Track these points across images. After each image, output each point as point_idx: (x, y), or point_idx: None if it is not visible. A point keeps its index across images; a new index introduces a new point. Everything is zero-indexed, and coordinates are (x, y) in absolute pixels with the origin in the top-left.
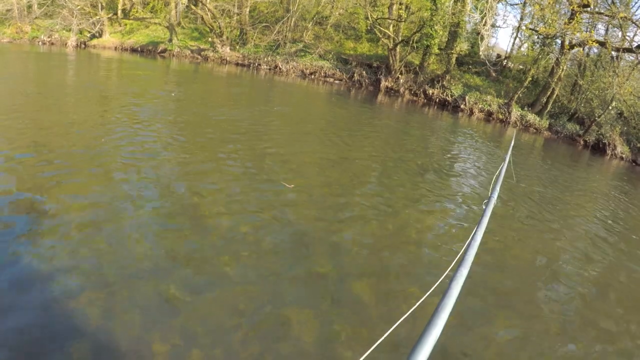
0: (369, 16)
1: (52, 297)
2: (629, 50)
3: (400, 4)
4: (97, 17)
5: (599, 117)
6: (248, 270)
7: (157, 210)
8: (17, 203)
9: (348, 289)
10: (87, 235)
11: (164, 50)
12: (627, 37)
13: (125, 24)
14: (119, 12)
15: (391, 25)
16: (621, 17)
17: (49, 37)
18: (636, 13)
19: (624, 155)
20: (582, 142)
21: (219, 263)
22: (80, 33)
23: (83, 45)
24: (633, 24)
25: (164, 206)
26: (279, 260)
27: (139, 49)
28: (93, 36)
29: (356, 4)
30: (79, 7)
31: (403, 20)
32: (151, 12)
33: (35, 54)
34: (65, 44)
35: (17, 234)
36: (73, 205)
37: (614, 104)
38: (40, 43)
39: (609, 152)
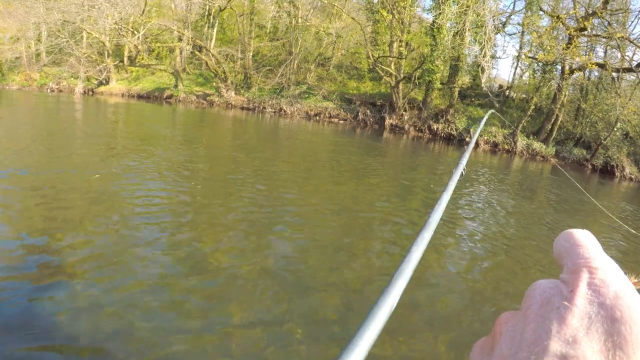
0: (370, 55)
1: None
2: (629, 70)
3: (401, 41)
4: (104, 65)
5: (604, 139)
6: None
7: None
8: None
9: None
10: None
11: (170, 96)
12: (626, 57)
13: (132, 71)
14: (125, 59)
15: (392, 63)
16: (619, 38)
17: (57, 85)
18: (633, 32)
19: (633, 176)
20: (590, 167)
21: None
22: (88, 80)
23: (90, 92)
24: (631, 44)
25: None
26: None
27: (146, 95)
28: (100, 83)
29: (357, 43)
30: (85, 54)
31: (404, 57)
32: (156, 59)
33: (44, 101)
34: (73, 91)
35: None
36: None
37: (618, 125)
38: (48, 90)
39: (617, 174)
